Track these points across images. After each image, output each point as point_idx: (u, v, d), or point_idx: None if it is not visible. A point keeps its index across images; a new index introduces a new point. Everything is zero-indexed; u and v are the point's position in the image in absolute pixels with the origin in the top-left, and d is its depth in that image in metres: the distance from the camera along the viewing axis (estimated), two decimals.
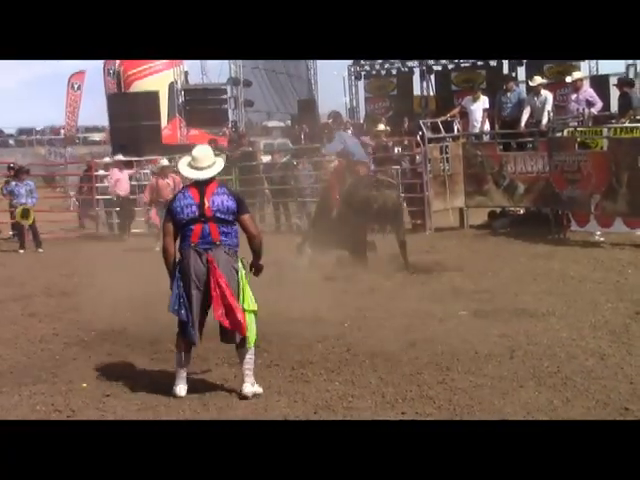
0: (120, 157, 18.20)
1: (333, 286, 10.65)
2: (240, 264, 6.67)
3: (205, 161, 6.67)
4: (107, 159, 20.75)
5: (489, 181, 15.60)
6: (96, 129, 47.96)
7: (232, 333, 6.58)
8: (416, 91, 29.18)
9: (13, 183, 17.55)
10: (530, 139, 15.87)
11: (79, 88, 40.15)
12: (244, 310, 6.54)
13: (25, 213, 16.88)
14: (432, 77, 28.66)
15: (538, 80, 16.29)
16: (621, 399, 6.05)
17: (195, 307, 6.59)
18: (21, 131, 53.13)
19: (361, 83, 30.06)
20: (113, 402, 6.57)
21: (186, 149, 22.65)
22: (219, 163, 6.78)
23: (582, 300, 9.27)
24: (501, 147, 16.14)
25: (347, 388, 6.63)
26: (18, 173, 17.64)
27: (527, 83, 19.78)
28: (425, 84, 28.87)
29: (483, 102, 17.03)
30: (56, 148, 37.47)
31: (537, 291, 9.86)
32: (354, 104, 30.82)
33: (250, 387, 6.63)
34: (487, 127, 16.91)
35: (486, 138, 16.88)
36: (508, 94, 16.51)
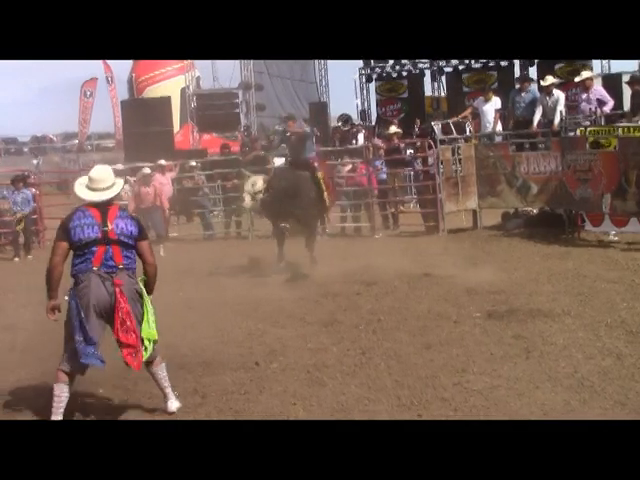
0: (162, 162, 18.03)
1: (347, 289, 10.66)
2: (142, 286, 6.34)
3: (103, 182, 6.31)
4: (119, 166, 20.73)
5: (502, 182, 15.55)
6: (108, 135, 48.20)
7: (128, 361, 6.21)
8: (427, 92, 29.19)
9: (6, 191, 17.57)
10: (543, 139, 15.82)
11: (91, 95, 40.40)
12: (142, 337, 6.19)
13: (19, 220, 17.08)
14: (443, 78, 28.67)
15: (550, 80, 16.21)
16: (639, 399, 6.04)
17: (95, 333, 6.15)
18: (35, 139, 53.42)
19: (372, 85, 30.08)
20: (130, 408, 6.59)
21: (198, 154, 22.81)
22: (118, 185, 6.42)
23: (597, 300, 9.23)
24: (514, 147, 16.11)
25: (363, 391, 6.64)
26: (14, 181, 17.67)
27: (539, 83, 19.75)
28: (436, 85, 28.91)
29: (495, 103, 16.97)
30: (70, 155, 37.66)
31: (552, 291, 9.84)
32: (365, 106, 30.85)
33: (176, 403, 6.48)
34: (499, 128, 16.86)
35: (498, 139, 16.84)
36: (522, 94, 16.41)
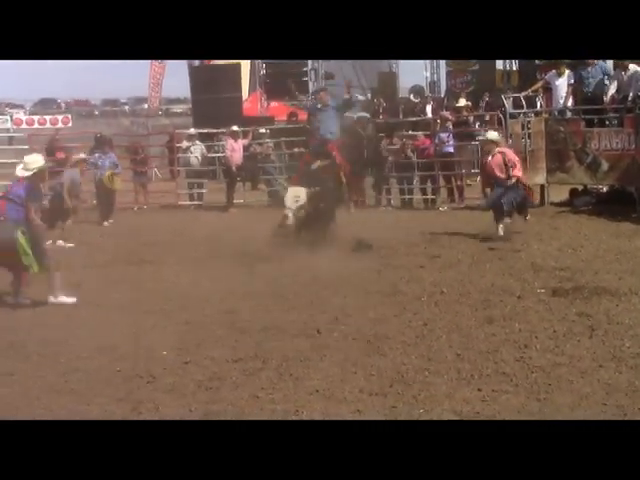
0: (235, 128, 18.18)
1: (410, 261, 10.63)
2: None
3: (28, 165, 9.28)
4: (192, 130, 20.87)
5: (572, 158, 15.30)
6: (178, 101, 48.64)
7: None
8: (498, 65, 28.73)
9: (97, 155, 17.34)
10: (616, 115, 15.48)
11: (162, 60, 40.54)
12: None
13: (111, 179, 16.70)
14: None
15: None
16: None
17: None
18: (106, 102, 54.16)
19: None
20: (192, 369, 6.68)
21: (266, 121, 22.87)
22: (38, 169, 9.31)
23: None
24: (584, 123, 15.78)
25: (423, 363, 6.63)
26: (101, 145, 17.50)
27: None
28: None
29: (568, 77, 16.58)
30: (139, 119, 38.05)
31: (619, 270, 9.66)
32: (435, 78, 30.57)
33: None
34: (571, 103, 16.49)
35: (570, 114, 16.51)
36: (589, 68, 15.94)
